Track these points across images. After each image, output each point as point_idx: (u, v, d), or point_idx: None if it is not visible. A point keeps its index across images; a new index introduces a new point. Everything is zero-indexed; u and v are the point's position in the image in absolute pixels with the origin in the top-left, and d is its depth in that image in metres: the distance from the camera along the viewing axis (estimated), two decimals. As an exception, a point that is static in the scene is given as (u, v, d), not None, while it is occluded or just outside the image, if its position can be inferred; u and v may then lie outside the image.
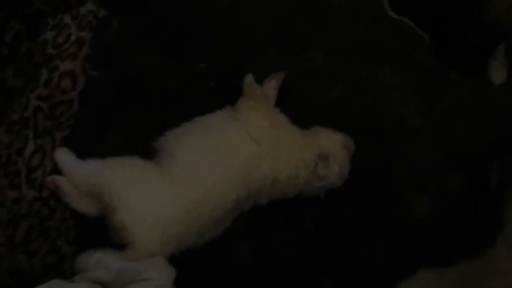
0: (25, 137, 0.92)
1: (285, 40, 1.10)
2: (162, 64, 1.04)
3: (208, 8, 1.09)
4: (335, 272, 0.93)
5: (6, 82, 0.94)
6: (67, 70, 0.97)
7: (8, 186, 0.89)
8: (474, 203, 0.98)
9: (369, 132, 1.05)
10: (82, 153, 0.94)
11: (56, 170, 0.91)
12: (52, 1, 1.00)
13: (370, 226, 0.97)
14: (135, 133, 0.99)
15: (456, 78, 1.12)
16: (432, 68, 1.13)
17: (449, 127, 1.07)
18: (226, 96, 1.00)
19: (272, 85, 1.00)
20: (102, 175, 0.82)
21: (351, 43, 1.12)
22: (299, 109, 1.04)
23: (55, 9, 1.00)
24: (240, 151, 0.87)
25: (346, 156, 0.94)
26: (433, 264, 0.89)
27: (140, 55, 1.04)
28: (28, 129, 0.93)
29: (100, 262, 0.76)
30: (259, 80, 1.01)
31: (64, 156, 0.89)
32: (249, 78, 0.97)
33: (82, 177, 0.84)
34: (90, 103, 0.99)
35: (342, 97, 1.07)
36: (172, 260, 0.83)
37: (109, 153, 0.91)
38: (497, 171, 0.96)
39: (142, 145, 0.93)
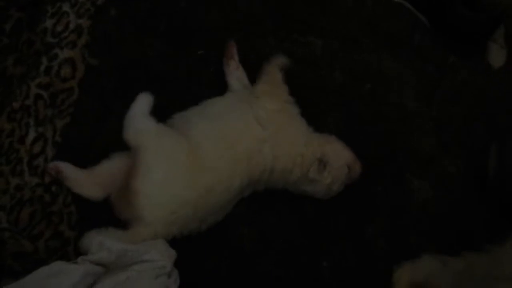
0: (26, 125, 0.93)
1: (284, 25, 1.10)
2: (161, 51, 1.05)
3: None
4: (334, 256, 0.94)
5: (7, 71, 0.95)
6: (67, 58, 0.98)
7: (11, 173, 0.91)
8: (474, 187, 0.98)
9: (368, 118, 1.05)
10: (83, 141, 0.96)
11: (57, 156, 0.93)
12: (50, -11, 1.01)
13: (369, 211, 0.98)
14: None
15: (455, 62, 1.11)
16: (431, 53, 1.12)
17: (448, 112, 1.07)
18: (226, 81, 1.01)
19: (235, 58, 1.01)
20: (137, 138, 0.83)
21: (350, 28, 1.12)
22: (297, 94, 1.04)
23: (54, -3, 1.01)
24: (246, 136, 0.87)
25: (344, 175, 0.92)
26: (434, 249, 0.90)
27: (139, 42, 1.04)
28: (29, 117, 0.94)
29: (102, 244, 0.77)
30: (258, 67, 1.01)
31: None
32: (277, 60, 0.96)
33: (133, 131, 0.85)
34: (90, 90, 1.00)
35: (341, 83, 1.07)
36: (173, 242, 0.84)
37: (110, 140, 0.93)
38: (496, 155, 0.96)
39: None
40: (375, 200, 0.99)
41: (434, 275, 0.72)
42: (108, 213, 0.86)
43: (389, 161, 1.02)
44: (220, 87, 1.00)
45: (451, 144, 1.04)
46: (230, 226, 0.92)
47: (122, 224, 0.83)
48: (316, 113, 1.03)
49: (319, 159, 0.90)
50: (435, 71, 1.11)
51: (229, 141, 0.86)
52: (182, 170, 0.82)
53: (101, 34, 1.03)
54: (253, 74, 0.99)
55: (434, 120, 1.06)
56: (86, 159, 0.91)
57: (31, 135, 0.94)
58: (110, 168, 0.89)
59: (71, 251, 0.86)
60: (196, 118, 0.89)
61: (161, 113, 0.98)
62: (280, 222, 0.96)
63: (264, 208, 0.95)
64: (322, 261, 0.93)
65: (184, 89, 1.03)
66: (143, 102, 0.89)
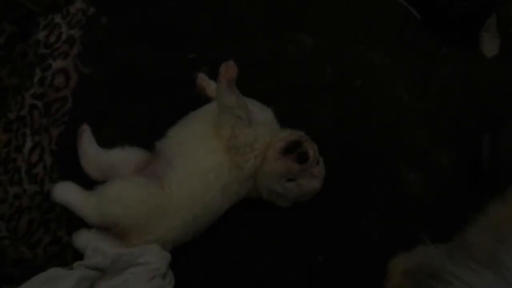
0: (23, 135, 0.96)
1: (274, 24, 1.11)
2: (153, 56, 1.06)
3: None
4: (329, 250, 0.94)
5: (2, 82, 0.97)
6: (60, 68, 1.00)
7: (9, 182, 0.93)
8: (468, 177, 0.98)
9: (362, 111, 1.05)
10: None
11: (57, 163, 0.95)
12: (42, 1, 1.03)
13: (363, 203, 0.98)
14: (130, 126, 1.01)
15: (447, 54, 1.11)
16: (423, 45, 1.12)
17: (441, 103, 1.07)
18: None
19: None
20: (106, 211, 0.82)
21: (340, 24, 1.12)
22: (288, 92, 1.05)
23: (46, 9, 1.03)
24: (232, 170, 0.87)
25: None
26: (429, 241, 0.89)
27: (131, 49, 1.06)
28: (25, 127, 0.96)
29: (96, 249, 0.78)
30: (249, 67, 1.02)
31: (65, 195, 0.85)
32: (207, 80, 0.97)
33: (89, 213, 0.84)
34: (84, 99, 1.01)
35: (332, 78, 1.07)
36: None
37: (104, 147, 0.94)
38: (489, 144, 0.95)
39: (137, 137, 0.96)
40: (369, 193, 0.99)
41: (426, 261, 0.72)
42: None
43: (383, 154, 1.02)
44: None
45: (445, 135, 1.04)
46: (224, 225, 0.93)
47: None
48: (309, 110, 1.04)
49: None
50: (427, 63, 1.10)
51: (218, 173, 0.86)
52: (158, 205, 0.83)
53: (93, 43, 1.05)
54: (243, 78, 0.99)
55: (427, 112, 1.06)
56: (81, 167, 0.92)
57: (28, 144, 0.96)
58: (121, 158, 0.91)
59: (69, 257, 0.88)
60: (189, 143, 0.88)
61: (154, 117, 1.00)
62: (274, 218, 0.96)
63: (257, 205, 0.95)
64: (317, 256, 0.93)
65: (177, 93, 1.04)
66: (67, 197, 0.86)
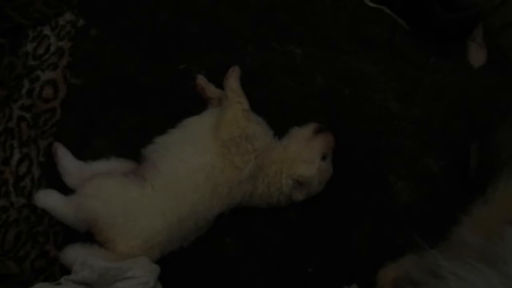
0: (10, 147, 0.95)
1: (263, 35, 1.11)
2: (144, 67, 1.06)
3: (187, 7, 1.11)
4: (319, 261, 0.94)
5: (-10, 95, 0.97)
6: (48, 80, 1.00)
7: (-4, 195, 0.92)
8: (457, 185, 0.98)
9: (351, 121, 1.06)
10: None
11: (45, 175, 0.94)
12: (31, 14, 1.03)
13: (353, 214, 0.98)
14: (121, 137, 1.00)
15: (435, 63, 1.12)
16: (411, 54, 1.13)
17: (430, 111, 1.08)
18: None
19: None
20: (85, 207, 0.82)
21: (329, 34, 1.13)
22: (278, 102, 1.05)
23: (34, 21, 1.03)
24: (224, 172, 0.87)
25: (321, 170, 0.92)
26: (419, 250, 0.89)
27: (121, 60, 1.06)
28: (13, 139, 0.95)
29: (84, 264, 0.78)
30: (241, 78, 1.02)
31: (47, 200, 0.85)
32: (233, 80, 0.95)
33: (70, 215, 0.84)
34: (74, 110, 1.01)
35: (322, 88, 1.08)
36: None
37: (95, 158, 0.94)
38: (476, 153, 0.96)
39: (127, 148, 0.96)
40: (359, 203, 0.99)
41: (413, 268, 0.72)
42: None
43: (372, 163, 1.02)
44: (202, 101, 1.01)
45: (434, 143, 1.04)
46: (214, 235, 0.93)
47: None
48: (298, 119, 1.04)
49: (295, 181, 0.90)
50: (416, 71, 1.11)
51: (207, 174, 0.86)
52: (140, 203, 0.83)
53: (82, 54, 1.05)
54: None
55: (416, 121, 1.07)
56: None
57: (16, 156, 0.95)
58: (105, 169, 0.90)
59: (57, 272, 0.87)
60: (175, 147, 0.88)
61: (144, 128, 1.00)
62: (264, 230, 0.96)
63: (247, 216, 0.95)
64: (307, 267, 0.93)
65: (167, 103, 1.04)
66: (48, 201, 0.86)
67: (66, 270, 0.82)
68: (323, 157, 0.92)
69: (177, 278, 0.88)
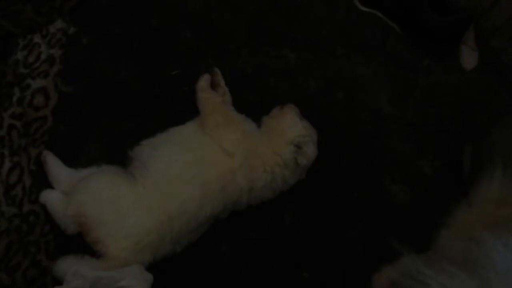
0: (1, 156, 0.94)
1: (257, 40, 1.11)
2: (135, 72, 1.06)
3: (179, 12, 1.11)
4: (315, 266, 0.93)
5: (-20, 103, 0.96)
6: (39, 88, 0.99)
7: (-13, 205, 0.91)
8: (451, 187, 0.98)
9: (345, 124, 1.06)
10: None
11: (36, 183, 0.93)
12: (21, 22, 1.02)
13: (348, 216, 0.97)
14: (112, 143, 1.00)
15: (428, 66, 1.12)
16: (405, 57, 1.13)
17: (423, 114, 1.08)
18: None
19: (221, 84, 1.01)
20: (74, 201, 0.83)
21: (323, 37, 1.13)
22: (272, 107, 1.05)
23: (25, 29, 1.03)
24: (215, 166, 0.87)
25: (306, 128, 0.95)
26: (414, 252, 0.89)
27: (113, 66, 1.06)
28: (3, 148, 0.94)
29: (76, 273, 0.77)
30: (233, 82, 1.02)
31: (47, 197, 0.89)
32: (203, 81, 0.98)
33: (61, 212, 0.86)
34: (65, 118, 1.01)
35: (315, 91, 1.08)
36: (152, 262, 0.84)
37: (87, 165, 0.93)
38: (469, 155, 0.96)
39: (120, 154, 0.95)
40: (353, 207, 0.98)
41: (406, 270, 0.72)
42: (85, 242, 0.86)
43: (366, 166, 1.02)
44: (195, 106, 1.01)
45: (427, 146, 1.04)
46: (208, 242, 0.92)
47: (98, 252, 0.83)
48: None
49: (295, 150, 0.91)
50: (408, 74, 1.12)
51: (195, 170, 0.86)
52: (129, 201, 0.83)
53: (74, 61, 1.04)
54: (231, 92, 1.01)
55: (409, 123, 1.07)
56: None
57: (7, 165, 0.94)
58: None
59: (49, 281, 0.86)
60: (159, 147, 0.89)
61: (137, 134, 0.99)
62: (259, 235, 0.95)
63: (242, 222, 0.94)
64: (303, 272, 0.92)
65: (160, 109, 1.04)
66: (47, 198, 0.89)
67: (58, 280, 0.81)
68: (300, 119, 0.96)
69: (170, 286, 0.87)
